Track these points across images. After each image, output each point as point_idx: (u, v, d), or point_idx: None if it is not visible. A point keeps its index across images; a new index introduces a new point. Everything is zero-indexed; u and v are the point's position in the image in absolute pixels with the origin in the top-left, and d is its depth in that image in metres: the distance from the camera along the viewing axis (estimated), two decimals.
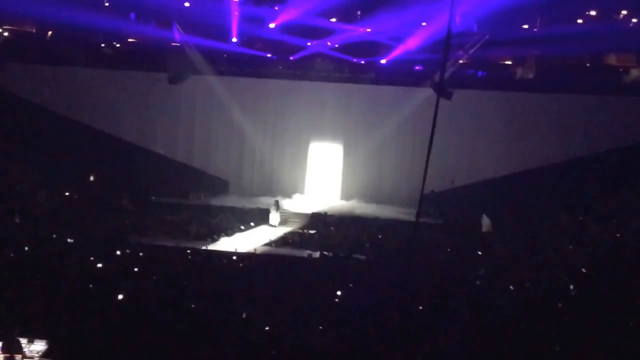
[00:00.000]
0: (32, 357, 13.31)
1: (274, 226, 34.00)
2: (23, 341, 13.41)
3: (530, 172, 36.34)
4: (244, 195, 38.57)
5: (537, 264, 24.25)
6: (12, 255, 21.34)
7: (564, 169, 35.70)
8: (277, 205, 34.70)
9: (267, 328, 15.36)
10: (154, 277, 19.63)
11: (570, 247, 27.68)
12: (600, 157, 35.38)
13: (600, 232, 29.44)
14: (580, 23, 37.36)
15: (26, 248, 22.54)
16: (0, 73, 38.35)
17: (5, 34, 39.65)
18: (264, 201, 35.73)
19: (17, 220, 27.89)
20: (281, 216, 34.94)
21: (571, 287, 21.24)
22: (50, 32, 39.62)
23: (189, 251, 26.00)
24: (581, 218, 31.74)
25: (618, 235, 29.20)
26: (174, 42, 38.77)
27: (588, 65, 38.61)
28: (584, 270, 23.69)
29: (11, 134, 35.34)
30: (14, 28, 39.94)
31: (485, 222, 33.08)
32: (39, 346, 13.48)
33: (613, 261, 24.83)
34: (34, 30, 40.27)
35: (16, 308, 15.34)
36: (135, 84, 38.54)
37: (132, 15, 38.98)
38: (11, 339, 13.33)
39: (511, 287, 21.33)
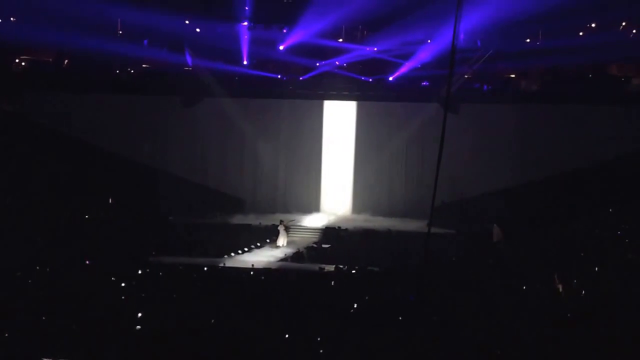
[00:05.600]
0: None
1: (281, 246, 33.63)
2: None
3: (539, 182, 36.04)
4: (259, 213, 38.43)
5: (549, 271, 23.94)
6: (36, 276, 21.28)
7: (570, 178, 35.44)
8: (283, 225, 34.43)
9: (284, 341, 15.19)
10: (174, 295, 19.48)
11: (582, 254, 27.39)
12: (605, 166, 35.11)
13: (609, 239, 29.19)
14: (581, 35, 37.22)
15: (48, 269, 22.50)
16: (20, 101, 38.45)
17: (23, 63, 39.76)
18: (279, 218, 35.47)
19: (40, 242, 27.82)
20: (290, 234, 34.77)
21: (583, 292, 21.02)
22: (66, 61, 39.69)
23: (206, 268, 25.82)
24: (590, 226, 31.45)
25: (627, 240, 28.97)
26: (187, 67, 38.81)
27: (590, 75, 38.40)
28: (595, 276, 23.45)
29: (32, 159, 35.39)
30: (32, 58, 40.06)
31: (497, 231, 32.87)
32: None
33: (623, 266, 24.59)
34: (50, 59, 40.40)
35: (41, 329, 15.24)
36: (150, 108, 38.58)
37: (145, 41, 39.02)
38: None
39: (523, 295, 21.14)
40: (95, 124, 37.98)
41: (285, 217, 35.95)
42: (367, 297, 19.82)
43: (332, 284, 22.65)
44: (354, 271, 26.37)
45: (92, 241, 29.53)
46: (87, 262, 24.81)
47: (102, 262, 24.71)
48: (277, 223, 34.60)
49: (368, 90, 38.86)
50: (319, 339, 15.25)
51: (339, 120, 40.02)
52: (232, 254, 31.35)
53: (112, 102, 38.13)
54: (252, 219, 37.23)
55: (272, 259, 31.08)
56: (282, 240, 33.69)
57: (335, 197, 40.21)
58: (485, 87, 38.55)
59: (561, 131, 36.59)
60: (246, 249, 32.45)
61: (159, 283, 21.54)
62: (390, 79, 38.47)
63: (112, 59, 38.66)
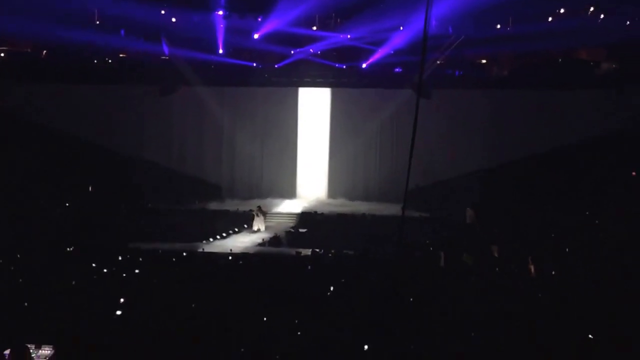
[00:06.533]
0: None
1: (258, 231, 33.64)
2: (31, 346, 13.27)
3: (511, 165, 36.25)
4: (236, 199, 38.71)
5: (522, 253, 24.19)
6: (18, 263, 21.26)
7: (542, 161, 35.68)
8: (260, 211, 34.46)
9: (263, 325, 15.27)
10: (155, 280, 19.52)
11: (552, 235, 27.73)
12: (576, 149, 35.38)
13: (580, 221, 29.56)
14: (550, 20, 37.42)
15: (29, 257, 22.47)
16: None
17: (2, 54, 39.49)
18: (256, 204, 35.64)
19: (21, 231, 27.80)
20: (267, 219, 34.83)
21: (553, 272, 21.27)
22: (44, 51, 39.47)
23: (185, 253, 25.86)
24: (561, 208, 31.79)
25: (596, 222, 29.37)
26: (163, 56, 38.70)
27: (560, 60, 38.63)
28: (566, 257, 23.75)
29: (12, 149, 35.26)
30: (10, 48, 39.78)
31: (470, 214, 33.11)
32: (46, 351, 13.34)
33: (592, 246, 24.91)
34: (29, 50, 40.14)
35: (23, 314, 15.25)
36: (128, 97, 38.47)
37: (122, 31, 38.82)
38: (19, 345, 13.18)
39: (495, 277, 21.38)
40: (74, 114, 37.64)
41: (263, 202, 36.19)
42: (342, 280, 19.94)
43: (309, 268, 22.74)
44: (330, 255, 26.53)
45: (73, 228, 29.53)
46: (69, 249, 24.80)
47: (84, 249, 24.70)
48: (254, 209, 34.64)
49: (342, 77, 38.91)
50: (296, 321, 15.35)
51: (314, 106, 40.30)
52: (211, 240, 31.40)
53: (90, 91, 37.84)
54: (229, 205, 37.44)
55: (250, 244, 31.12)
56: (259, 225, 33.75)
57: (311, 182, 40.48)
58: (457, 72, 38.65)
59: (532, 115, 36.77)
60: (224, 234, 32.54)
61: (140, 268, 21.54)
62: (364, 65, 38.50)
63: (90, 49, 38.38)
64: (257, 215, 33.97)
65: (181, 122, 39.90)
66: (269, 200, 38.24)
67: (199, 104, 39.08)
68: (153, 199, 36.89)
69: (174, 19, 38.68)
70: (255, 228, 33.63)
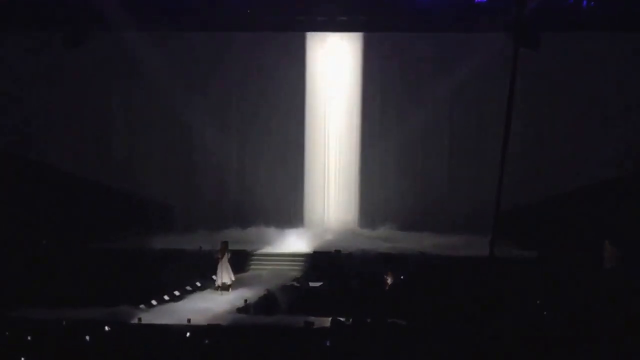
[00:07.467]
0: None
1: (225, 290, 32.97)
2: None
3: None
4: (199, 229, 38.33)
5: None
6: None
7: None
8: (227, 250, 33.49)
9: None
10: None
11: None
12: None
13: None
14: None
15: None
16: None
17: None
18: (231, 236, 35.14)
19: None
20: (255, 263, 34.94)
21: None
22: None
23: (107, 328, 25.11)
24: None
25: None
26: None
27: None
28: None
29: None
30: None
31: (609, 252, 32.27)
32: None
33: None
34: None
35: None
36: (8, 51, 38.17)
37: None
38: None
39: None
40: None
41: (243, 234, 36.13)
42: None
43: (327, 344, 22.41)
44: (364, 326, 25.77)
45: None
46: None
47: None
48: (230, 247, 33.68)
49: (382, 13, 38.38)
50: None
51: (334, 65, 40.05)
52: (154, 302, 31.07)
53: None
54: (186, 241, 37.16)
55: (222, 309, 30.68)
56: (223, 277, 32.86)
57: (330, 200, 40.16)
58: (584, 3, 37.87)
59: None
60: (178, 293, 32.27)
61: (29, 352, 21.05)
62: None
63: None
64: (220, 258, 33.20)
65: (101, 93, 39.70)
66: (254, 230, 38.22)
67: (130, 63, 38.68)
68: (51, 231, 36.31)
69: None
70: (224, 280, 32.85)
